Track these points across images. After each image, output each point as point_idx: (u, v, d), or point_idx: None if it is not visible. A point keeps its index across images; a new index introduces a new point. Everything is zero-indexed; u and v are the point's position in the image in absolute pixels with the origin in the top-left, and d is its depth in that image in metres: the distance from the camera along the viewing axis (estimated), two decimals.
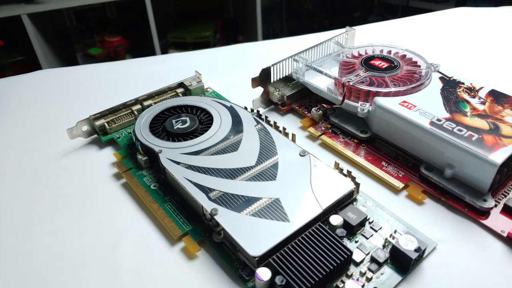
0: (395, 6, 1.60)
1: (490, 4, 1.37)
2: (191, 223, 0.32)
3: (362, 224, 0.31)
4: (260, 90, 0.44)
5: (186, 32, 1.45)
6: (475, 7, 0.71)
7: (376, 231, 0.31)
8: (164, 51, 1.43)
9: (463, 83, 0.38)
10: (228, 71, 0.55)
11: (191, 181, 0.32)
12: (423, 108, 0.35)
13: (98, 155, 0.40)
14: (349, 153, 0.38)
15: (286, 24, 1.68)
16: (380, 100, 0.36)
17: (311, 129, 0.41)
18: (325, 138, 0.40)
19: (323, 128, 0.41)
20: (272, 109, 0.46)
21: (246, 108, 0.41)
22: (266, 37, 1.55)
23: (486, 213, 0.31)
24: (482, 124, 0.34)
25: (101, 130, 0.41)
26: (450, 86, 0.38)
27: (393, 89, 0.38)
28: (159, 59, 0.64)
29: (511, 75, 0.50)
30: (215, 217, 0.29)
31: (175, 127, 0.38)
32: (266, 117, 0.39)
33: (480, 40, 0.60)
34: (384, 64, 0.41)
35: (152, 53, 1.36)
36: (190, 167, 0.34)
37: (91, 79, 0.56)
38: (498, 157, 0.30)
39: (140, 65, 0.60)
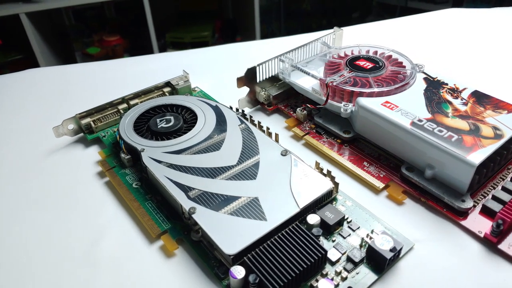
0: (394, 6, 1.60)
1: (489, 5, 1.37)
2: (170, 221, 0.32)
3: (340, 223, 0.31)
4: (247, 89, 0.44)
5: (185, 32, 1.46)
6: (466, 8, 0.71)
7: (354, 230, 0.31)
8: (163, 50, 1.44)
9: (446, 84, 0.38)
10: (219, 71, 0.55)
11: (171, 180, 0.32)
12: (405, 108, 0.36)
13: (84, 154, 0.41)
14: (331, 153, 0.38)
15: (284, 24, 1.68)
16: (362, 100, 0.37)
17: (296, 129, 0.41)
18: (308, 138, 0.40)
19: (307, 128, 0.41)
20: (259, 109, 0.46)
21: (231, 108, 0.41)
22: (264, 37, 1.55)
23: (464, 213, 0.31)
24: (463, 124, 0.34)
25: (87, 129, 0.42)
26: (433, 87, 0.38)
27: (376, 90, 0.38)
28: (151, 58, 0.64)
29: (499, 76, 0.50)
30: (193, 215, 0.29)
31: (159, 126, 0.38)
32: (251, 116, 0.39)
33: (470, 40, 0.60)
34: (368, 65, 0.41)
35: (150, 52, 1.36)
36: (171, 166, 0.34)
37: (81, 77, 0.56)
38: (476, 157, 0.30)
39: (132, 64, 0.60)
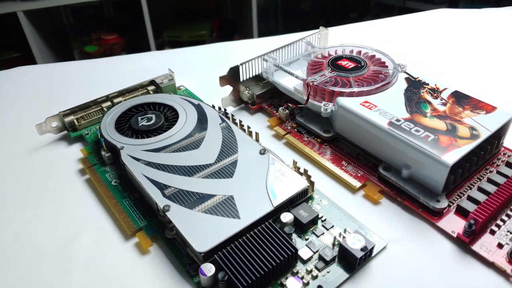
0: (392, 6, 1.60)
1: (487, 6, 1.36)
2: (146, 219, 0.32)
3: (314, 222, 0.31)
4: (230, 88, 0.44)
5: (182, 31, 1.46)
6: (458, 9, 0.71)
7: (327, 229, 0.31)
8: (160, 49, 1.44)
9: (427, 84, 0.38)
10: (207, 69, 0.55)
11: (148, 178, 0.33)
12: (384, 108, 0.36)
13: (66, 151, 0.41)
14: (310, 152, 0.38)
15: (282, 24, 1.68)
16: (342, 100, 0.37)
17: (277, 128, 0.41)
18: (289, 137, 0.40)
19: (289, 128, 0.41)
20: (243, 108, 0.46)
21: (213, 107, 0.41)
22: (262, 36, 1.55)
23: (439, 213, 0.31)
24: (440, 125, 0.34)
25: (71, 127, 0.42)
26: (414, 87, 0.38)
27: (356, 89, 0.38)
28: (142, 56, 0.64)
29: (488, 77, 0.50)
30: (167, 213, 0.30)
31: (140, 124, 0.38)
32: (233, 115, 0.40)
33: (461, 41, 0.60)
34: (350, 65, 0.41)
35: (147, 51, 1.36)
36: (149, 164, 0.34)
37: (72, 75, 0.56)
38: (451, 157, 0.30)
39: (123, 62, 0.61)
